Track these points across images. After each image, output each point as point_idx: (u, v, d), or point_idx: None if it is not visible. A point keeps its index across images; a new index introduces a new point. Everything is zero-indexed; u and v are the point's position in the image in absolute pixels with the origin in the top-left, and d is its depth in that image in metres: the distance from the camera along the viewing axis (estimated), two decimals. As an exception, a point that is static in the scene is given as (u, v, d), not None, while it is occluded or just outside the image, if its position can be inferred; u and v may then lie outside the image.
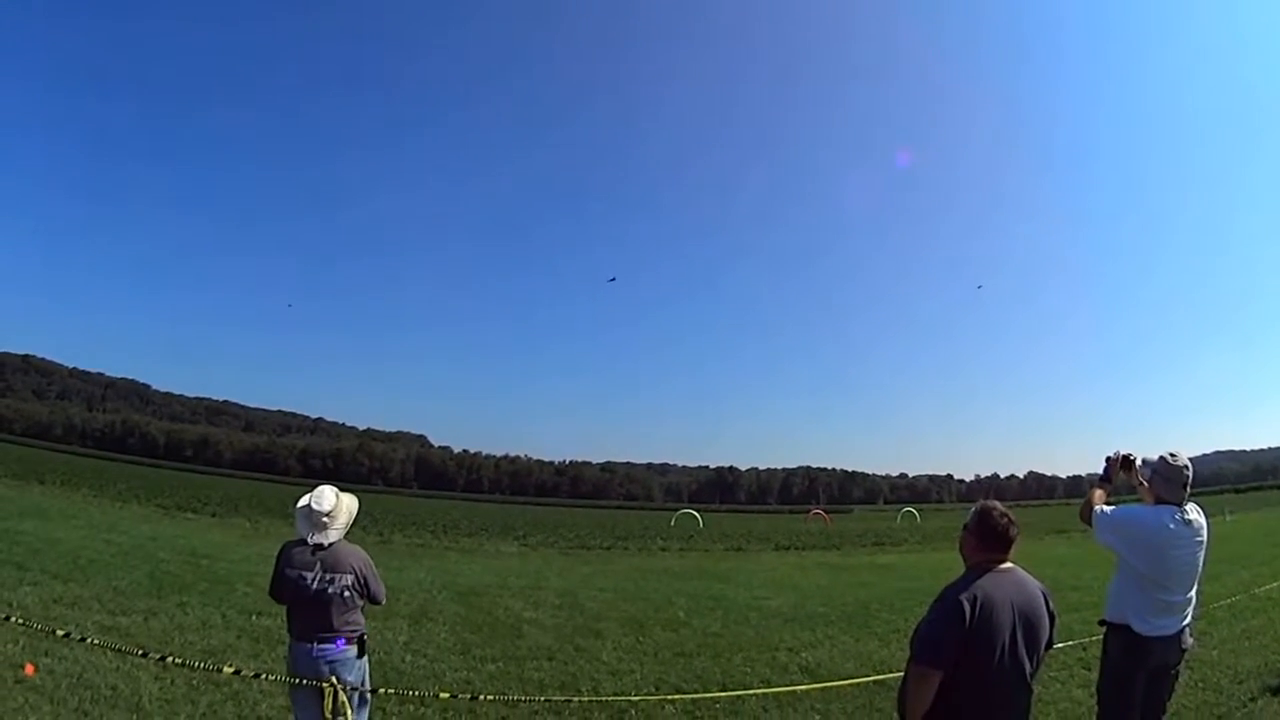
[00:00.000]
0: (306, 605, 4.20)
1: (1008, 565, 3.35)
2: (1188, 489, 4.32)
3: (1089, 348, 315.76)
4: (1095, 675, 4.72)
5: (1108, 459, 4.71)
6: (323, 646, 4.17)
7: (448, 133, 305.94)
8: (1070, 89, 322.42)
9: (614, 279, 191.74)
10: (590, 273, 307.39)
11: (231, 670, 5.77)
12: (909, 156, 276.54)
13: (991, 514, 3.37)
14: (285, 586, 4.24)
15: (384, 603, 4.62)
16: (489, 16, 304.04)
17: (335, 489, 4.59)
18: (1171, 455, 4.35)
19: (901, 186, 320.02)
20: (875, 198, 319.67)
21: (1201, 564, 4.41)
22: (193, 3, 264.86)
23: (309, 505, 4.39)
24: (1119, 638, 4.39)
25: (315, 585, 4.19)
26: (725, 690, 7.28)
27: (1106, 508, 4.51)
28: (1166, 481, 4.35)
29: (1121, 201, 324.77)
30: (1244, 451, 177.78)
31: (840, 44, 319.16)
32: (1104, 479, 4.71)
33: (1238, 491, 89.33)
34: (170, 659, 6.03)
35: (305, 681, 4.14)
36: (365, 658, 4.41)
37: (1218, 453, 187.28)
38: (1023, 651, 3.21)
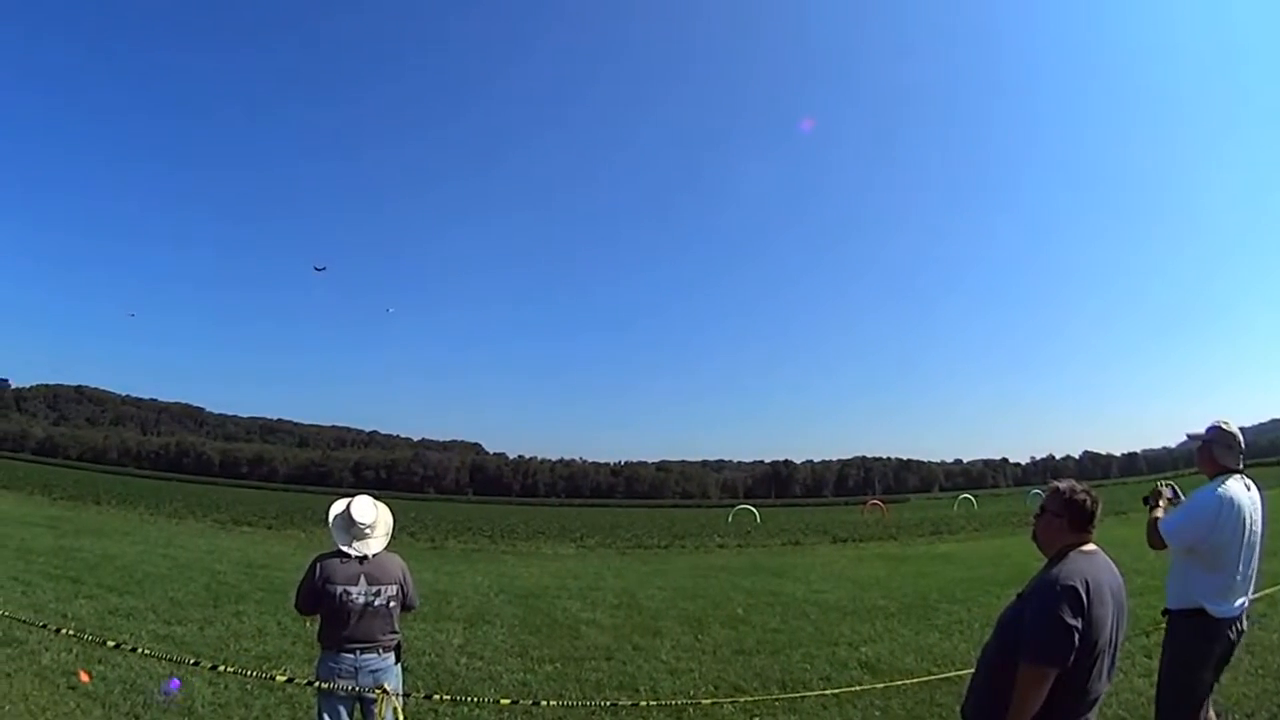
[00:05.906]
0: (351, 618, 4.10)
1: (1091, 547, 3.04)
2: (1242, 456, 4.39)
3: (1136, 317, 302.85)
4: (1156, 664, 4.49)
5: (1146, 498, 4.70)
6: (365, 656, 4.11)
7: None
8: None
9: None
10: (631, 276, 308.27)
11: (285, 678, 5.69)
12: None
13: (1077, 493, 3.07)
14: (325, 600, 4.13)
15: (418, 607, 4.57)
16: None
17: (372, 499, 4.48)
18: (1224, 422, 4.41)
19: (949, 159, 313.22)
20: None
21: (1261, 538, 4.32)
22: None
23: (348, 514, 4.28)
24: (1191, 623, 4.20)
25: (363, 599, 4.12)
26: (784, 688, 7.07)
27: (1165, 517, 4.40)
28: (1226, 449, 4.38)
29: (1165, 156, 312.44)
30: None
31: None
32: (1151, 505, 4.61)
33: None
34: (223, 667, 5.99)
35: (348, 690, 4.05)
36: (400, 664, 4.35)
37: (1274, 421, 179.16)
38: (1117, 639, 2.93)
